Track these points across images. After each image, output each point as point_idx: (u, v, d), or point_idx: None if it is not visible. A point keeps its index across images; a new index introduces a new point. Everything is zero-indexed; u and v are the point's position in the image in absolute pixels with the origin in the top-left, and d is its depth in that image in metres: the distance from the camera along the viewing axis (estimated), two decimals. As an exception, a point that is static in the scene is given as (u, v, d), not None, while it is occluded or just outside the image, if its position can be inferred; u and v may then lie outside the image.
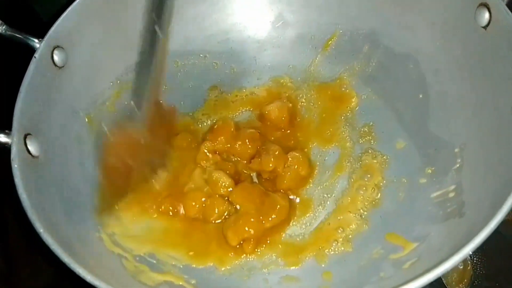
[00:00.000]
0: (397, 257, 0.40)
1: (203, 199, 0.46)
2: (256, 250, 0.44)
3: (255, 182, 0.49)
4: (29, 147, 0.38)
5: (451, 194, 0.41)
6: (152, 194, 0.47)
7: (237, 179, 0.48)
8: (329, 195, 0.47)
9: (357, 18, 0.52)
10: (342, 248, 0.44)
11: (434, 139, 0.45)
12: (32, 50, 0.41)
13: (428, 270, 0.30)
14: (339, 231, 0.45)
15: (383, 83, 0.51)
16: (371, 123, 0.50)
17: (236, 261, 0.44)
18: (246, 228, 0.44)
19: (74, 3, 0.44)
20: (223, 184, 0.47)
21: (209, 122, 0.53)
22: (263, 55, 0.56)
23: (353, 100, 0.52)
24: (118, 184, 0.45)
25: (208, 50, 0.55)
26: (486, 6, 0.39)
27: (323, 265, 0.43)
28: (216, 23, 0.55)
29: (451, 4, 0.43)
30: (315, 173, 0.49)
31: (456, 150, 0.42)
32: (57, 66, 0.43)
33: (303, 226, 0.46)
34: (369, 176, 0.47)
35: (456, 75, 0.44)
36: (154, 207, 0.46)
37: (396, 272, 0.39)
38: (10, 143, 0.37)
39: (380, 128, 0.50)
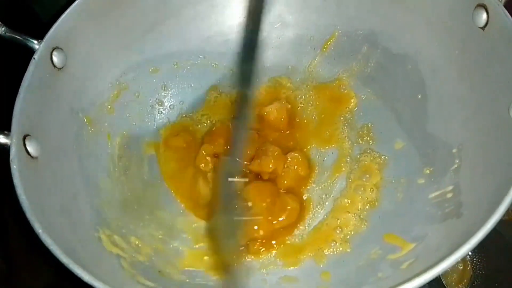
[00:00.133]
0: (395, 257, 0.40)
1: None
2: (260, 250, 0.44)
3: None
4: (28, 148, 0.38)
5: (449, 195, 0.41)
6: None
7: None
8: (327, 196, 0.48)
9: (355, 19, 0.52)
10: (341, 249, 0.44)
11: (432, 139, 0.45)
12: (32, 51, 0.42)
13: (425, 270, 0.30)
14: (338, 232, 0.45)
15: (381, 83, 0.51)
16: (369, 123, 0.51)
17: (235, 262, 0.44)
18: (256, 227, 0.44)
19: (73, 4, 0.44)
20: None
21: (208, 122, 0.53)
22: (262, 56, 0.56)
23: (352, 100, 0.52)
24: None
25: (208, 51, 0.55)
26: (483, 7, 0.39)
27: (321, 266, 0.43)
28: (215, 24, 0.55)
29: (449, 5, 0.43)
30: (314, 173, 0.49)
31: (454, 150, 0.42)
32: (56, 67, 0.43)
33: (302, 227, 0.46)
34: (367, 176, 0.48)
35: (454, 75, 0.44)
36: None
37: (394, 272, 0.39)
38: (9, 144, 0.37)
39: (378, 128, 0.50)
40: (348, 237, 0.44)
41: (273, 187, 0.47)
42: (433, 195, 0.42)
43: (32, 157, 0.38)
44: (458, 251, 0.30)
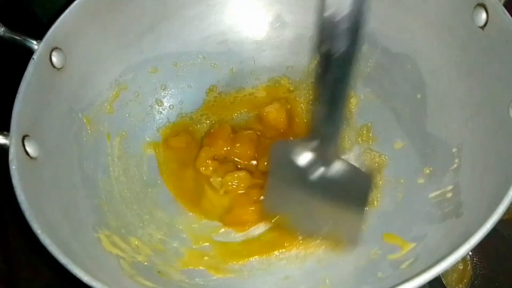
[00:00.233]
0: (395, 257, 0.40)
1: None
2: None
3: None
4: (27, 149, 0.38)
5: (449, 194, 0.41)
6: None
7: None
8: (327, 195, 0.48)
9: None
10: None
11: (432, 139, 0.45)
12: (31, 52, 0.41)
13: (425, 270, 0.30)
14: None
15: (381, 83, 0.51)
16: (369, 123, 0.51)
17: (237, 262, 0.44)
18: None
19: (73, 5, 0.44)
20: (237, 180, 0.47)
21: (208, 122, 0.53)
22: (262, 55, 0.56)
23: (352, 100, 0.52)
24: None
25: (207, 51, 0.55)
26: (483, 6, 0.39)
27: (321, 266, 0.43)
28: (214, 24, 0.55)
29: (448, 4, 0.43)
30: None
31: (454, 150, 0.42)
32: (56, 68, 0.43)
33: (301, 227, 0.46)
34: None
35: (453, 75, 0.44)
36: None
37: (393, 272, 0.39)
38: (8, 144, 0.37)
39: (378, 128, 0.50)
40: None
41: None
42: (432, 194, 0.42)
43: (31, 157, 0.38)
44: (458, 251, 0.30)
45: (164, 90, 0.54)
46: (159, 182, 0.50)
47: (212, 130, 0.51)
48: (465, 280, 0.48)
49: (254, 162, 0.50)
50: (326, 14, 0.28)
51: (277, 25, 0.56)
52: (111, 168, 0.48)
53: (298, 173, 0.38)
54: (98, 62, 0.48)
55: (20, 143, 0.38)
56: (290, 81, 0.55)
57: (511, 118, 0.36)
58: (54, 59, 0.43)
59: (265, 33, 0.56)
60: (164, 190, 0.50)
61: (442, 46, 0.45)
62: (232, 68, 0.56)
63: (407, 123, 0.48)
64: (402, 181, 0.46)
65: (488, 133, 0.39)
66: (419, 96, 0.48)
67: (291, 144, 0.39)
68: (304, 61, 0.55)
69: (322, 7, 0.28)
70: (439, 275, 0.38)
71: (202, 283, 0.43)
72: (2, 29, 0.42)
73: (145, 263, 0.43)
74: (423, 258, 0.37)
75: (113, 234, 0.43)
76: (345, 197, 0.39)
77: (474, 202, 0.37)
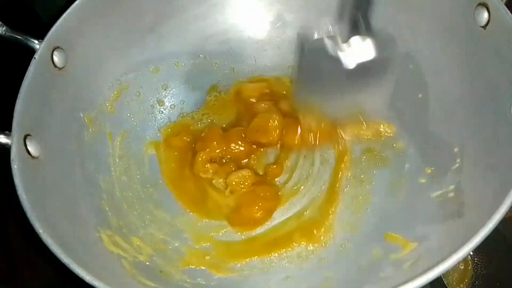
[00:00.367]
0: (397, 257, 0.40)
1: None
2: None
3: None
4: (29, 148, 0.38)
5: (451, 194, 0.41)
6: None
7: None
8: (328, 195, 0.48)
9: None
10: (342, 248, 0.44)
11: (434, 138, 0.45)
12: (32, 51, 0.41)
13: (427, 270, 0.30)
14: (339, 231, 0.45)
15: (382, 83, 0.51)
16: (370, 123, 0.51)
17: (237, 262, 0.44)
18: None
19: (74, 4, 0.44)
20: (241, 178, 0.47)
21: (209, 122, 0.53)
22: (263, 55, 0.56)
23: (353, 100, 0.52)
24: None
25: (208, 51, 0.55)
26: (485, 5, 0.39)
27: (323, 266, 0.43)
28: (216, 24, 0.55)
29: (450, 4, 0.43)
30: (315, 170, 0.49)
31: (456, 150, 0.42)
32: (57, 67, 0.43)
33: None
34: (368, 176, 0.47)
35: (455, 74, 0.44)
36: None
37: (396, 272, 0.39)
38: (10, 143, 0.37)
39: (379, 128, 0.50)
40: (349, 237, 0.44)
41: None
42: (434, 194, 0.42)
43: (32, 157, 0.38)
44: (460, 250, 0.30)
45: (165, 89, 0.54)
46: (160, 181, 0.50)
47: (203, 135, 0.51)
48: (466, 280, 0.48)
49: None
50: None
51: (278, 24, 0.56)
52: (112, 168, 0.48)
53: (330, 62, 0.39)
54: (99, 62, 0.48)
55: (22, 143, 0.38)
56: (291, 80, 0.55)
57: (513, 117, 0.36)
58: (55, 58, 0.43)
59: (266, 33, 0.56)
60: (166, 190, 0.50)
61: (443, 46, 0.45)
62: (233, 67, 0.56)
63: (409, 122, 0.48)
64: (404, 180, 0.46)
65: (490, 132, 0.39)
66: (420, 95, 0.48)
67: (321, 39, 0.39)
68: (305, 60, 0.55)
69: None
70: (440, 275, 0.38)
71: (203, 283, 0.43)
72: (4, 28, 0.42)
73: (147, 263, 0.43)
74: (425, 258, 0.37)
75: (115, 233, 0.43)
76: (373, 75, 0.41)
77: (476, 201, 0.37)
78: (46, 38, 0.42)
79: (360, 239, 0.44)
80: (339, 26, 0.38)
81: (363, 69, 0.39)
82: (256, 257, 0.45)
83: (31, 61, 0.41)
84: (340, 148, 0.49)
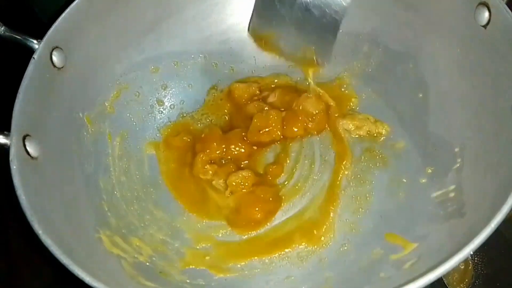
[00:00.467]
0: (398, 257, 0.40)
1: None
2: None
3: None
4: (28, 148, 0.38)
5: (451, 194, 0.41)
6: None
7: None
8: (329, 195, 0.47)
9: (356, 17, 0.52)
10: (342, 249, 0.44)
11: (434, 138, 0.45)
12: (31, 51, 0.41)
13: (428, 271, 0.30)
14: (339, 231, 0.45)
15: (383, 83, 0.51)
16: (370, 122, 0.50)
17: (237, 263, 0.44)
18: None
19: (73, 4, 0.44)
20: (242, 179, 0.47)
21: (208, 122, 0.53)
22: (263, 55, 0.56)
23: (353, 100, 0.52)
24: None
25: (208, 50, 0.55)
26: (485, 5, 0.39)
27: (323, 266, 0.43)
28: (215, 23, 0.55)
29: (450, 3, 0.43)
30: (315, 170, 0.49)
31: (456, 149, 0.42)
32: (56, 67, 0.43)
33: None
34: (369, 175, 0.47)
35: (456, 74, 0.44)
36: None
37: (396, 273, 0.39)
38: (9, 144, 0.37)
39: (380, 127, 0.50)
40: (349, 237, 0.44)
41: None
42: (435, 194, 0.42)
43: (32, 157, 0.38)
44: (461, 251, 0.30)
45: (165, 89, 0.54)
46: (160, 182, 0.50)
47: (203, 135, 0.51)
48: (466, 280, 0.48)
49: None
50: None
51: (278, 24, 0.56)
52: (112, 168, 0.48)
53: None
54: (99, 62, 0.48)
55: (21, 143, 0.38)
56: (291, 80, 0.55)
57: (514, 117, 0.36)
58: (54, 58, 0.43)
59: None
60: (165, 190, 0.49)
61: (444, 45, 0.45)
62: (233, 67, 0.56)
63: (409, 122, 0.48)
64: (404, 180, 0.46)
65: (491, 132, 0.39)
66: (421, 95, 0.48)
67: None
68: (305, 60, 0.55)
69: None
70: (441, 275, 0.38)
71: (203, 283, 0.43)
72: (3, 28, 0.42)
73: (147, 263, 0.42)
74: (425, 258, 0.37)
75: (114, 234, 0.43)
76: (321, 21, 0.47)
77: (477, 201, 0.37)
78: (45, 38, 0.42)
79: (360, 239, 0.44)
80: None
81: (317, 13, 0.45)
82: (256, 257, 0.45)
83: (30, 61, 0.41)
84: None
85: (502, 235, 0.49)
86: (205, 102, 0.54)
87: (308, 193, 0.48)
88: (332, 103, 0.51)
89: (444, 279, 0.48)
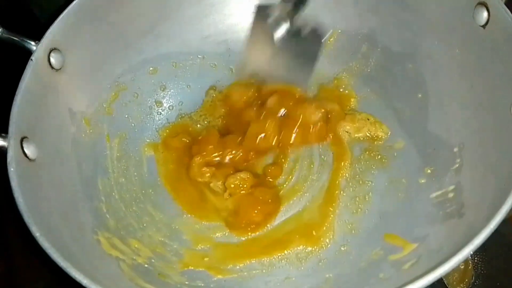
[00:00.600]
0: (397, 258, 0.40)
1: None
2: None
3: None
4: (26, 151, 0.38)
5: (451, 194, 0.40)
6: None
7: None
8: (328, 196, 0.47)
9: (355, 18, 0.52)
10: (342, 249, 0.44)
11: (433, 138, 0.45)
12: (29, 53, 0.41)
13: (428, 271, 0.30)
14: (339, 232, 0.45)
15: (382, 83, 0.51)
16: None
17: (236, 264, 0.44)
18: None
19: (71, 5, 0.44)
20: (240, 181, 0.47)
21: (206, 123, 0.53)
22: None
23: (352, 100, 0.52)
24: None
25: (206, 51, 0.55)
26: (484, 5, 0.39)
27: (322, 267, 0.43)
28: (214, 24, 0.55)
29: (449, 3, 0.43)
30: (314, 171, 0.49)
31: (455, 149, 0.42)
32: (54, 69, 0.43)
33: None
34: (368, 176, 0.47)
35: (455, 74, 0.44)
36: None
37: (396, 273, 0.38)
38: (6, 146, 0.37)
39: (379, 128, 0.50)
40: (349, 237, 0.44)
41: None
42: (434, 194, 0.42)
43: (29, 159, 0.38)
44: (461, 252, 0.30)
45: (163, 90, 0.54)
46: (158, 183, 0.50)
47: (200, 138, 0.51)
48: (466, 280, 0.48)
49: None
50: None
51: (276, 25, 0.56)
52: (110, 170, 0.48)
53: (269, 32, 0.46)
54: (97, 63, 0.48)
55: (19, 145, 0.38)
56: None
57: (513, 117, 0.36)
58: (52, 60, 0.43)
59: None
60: (164, 191, 0.49)
61: (443, 45, 0.45)
62: (231, 68, 0.55)
63: (408, 122, 0.48)
64: (403, 181, 0.46)
65: (490, 132, 0.39)
66: (420, 95, 0.48)
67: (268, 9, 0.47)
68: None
69: None
70: (441, 276, 0.38)
71: (202, 284, 0.43)
72: (0, 29, 0.42)
73: (145, 265, 0.42)
74: (425, 258, 0.37)
75: (113, 236, 0.42)
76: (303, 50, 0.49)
77: (476, 202, 0.37)
78: (43, 40, 0.42)
79: (359, 240, 0.44)
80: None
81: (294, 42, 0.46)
82: (255, 258, 0.45)
83: (28, 63, 0.41)
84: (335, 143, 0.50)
85: (502, 235, 0.48)
86: (204, 103, 0.54)
87: (307, 193, 0.48)
88: (336, 107, 0.50)
89: (444, 279, 0.48)
